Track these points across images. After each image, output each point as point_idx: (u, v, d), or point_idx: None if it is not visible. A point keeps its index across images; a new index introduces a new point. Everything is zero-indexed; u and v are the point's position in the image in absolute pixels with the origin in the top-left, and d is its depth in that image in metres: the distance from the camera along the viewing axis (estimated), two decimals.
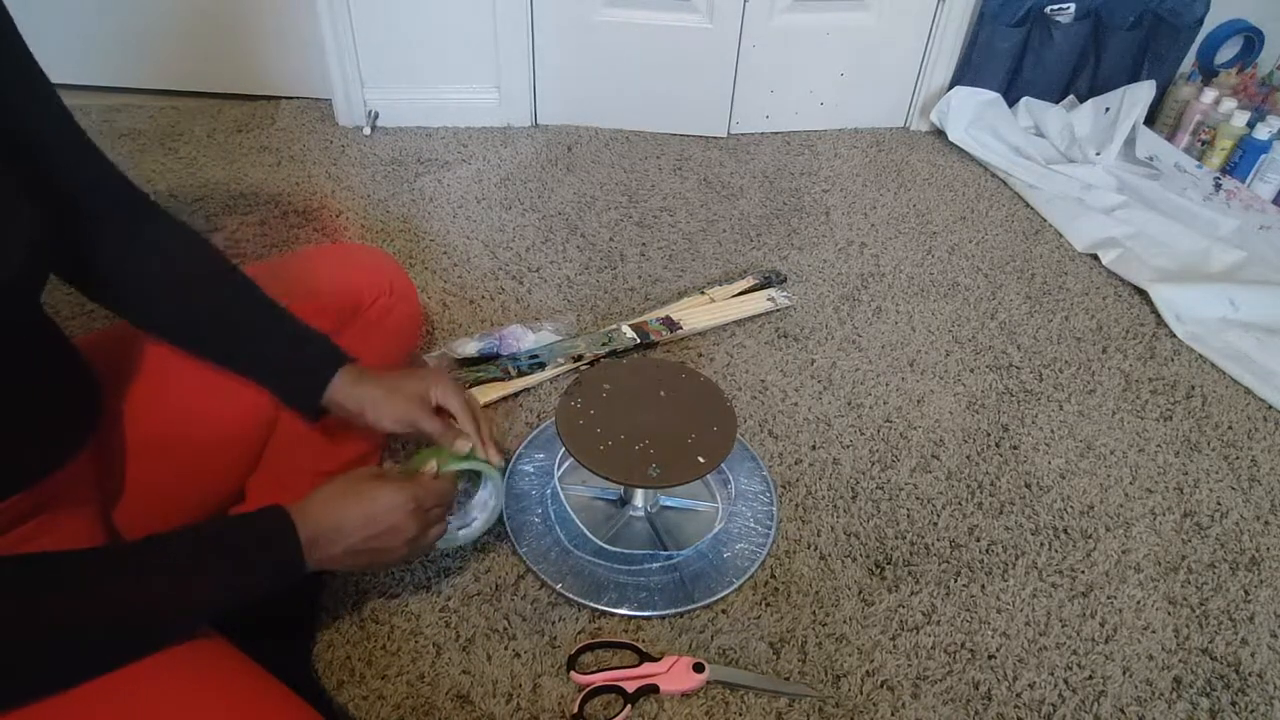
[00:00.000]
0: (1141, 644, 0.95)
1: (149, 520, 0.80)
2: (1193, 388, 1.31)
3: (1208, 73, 1.97)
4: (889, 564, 1.01)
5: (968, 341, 1.37)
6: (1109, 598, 0.99)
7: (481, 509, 0.87)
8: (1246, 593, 1.01)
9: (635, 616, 0.92)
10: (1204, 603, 1.00)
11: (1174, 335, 1.41)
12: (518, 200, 1.64)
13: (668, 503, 1.04)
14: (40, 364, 0.68)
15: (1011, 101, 1.92)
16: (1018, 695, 0.89)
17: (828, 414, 1.21)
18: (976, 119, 1.87)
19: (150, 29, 1.77)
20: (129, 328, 0.85)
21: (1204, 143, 1.85)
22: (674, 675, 0.85)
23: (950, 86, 1.91)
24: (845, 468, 1.13)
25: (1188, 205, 1.70)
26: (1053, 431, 1.21)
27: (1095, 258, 1.59)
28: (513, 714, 0.83)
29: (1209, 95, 1.84)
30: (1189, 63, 1.97)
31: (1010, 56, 1.86)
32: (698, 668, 0.86)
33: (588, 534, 0.98)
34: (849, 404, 1.23)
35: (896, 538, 1.04)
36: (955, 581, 0.99)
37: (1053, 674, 0.91)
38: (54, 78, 0.68)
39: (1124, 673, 0.92)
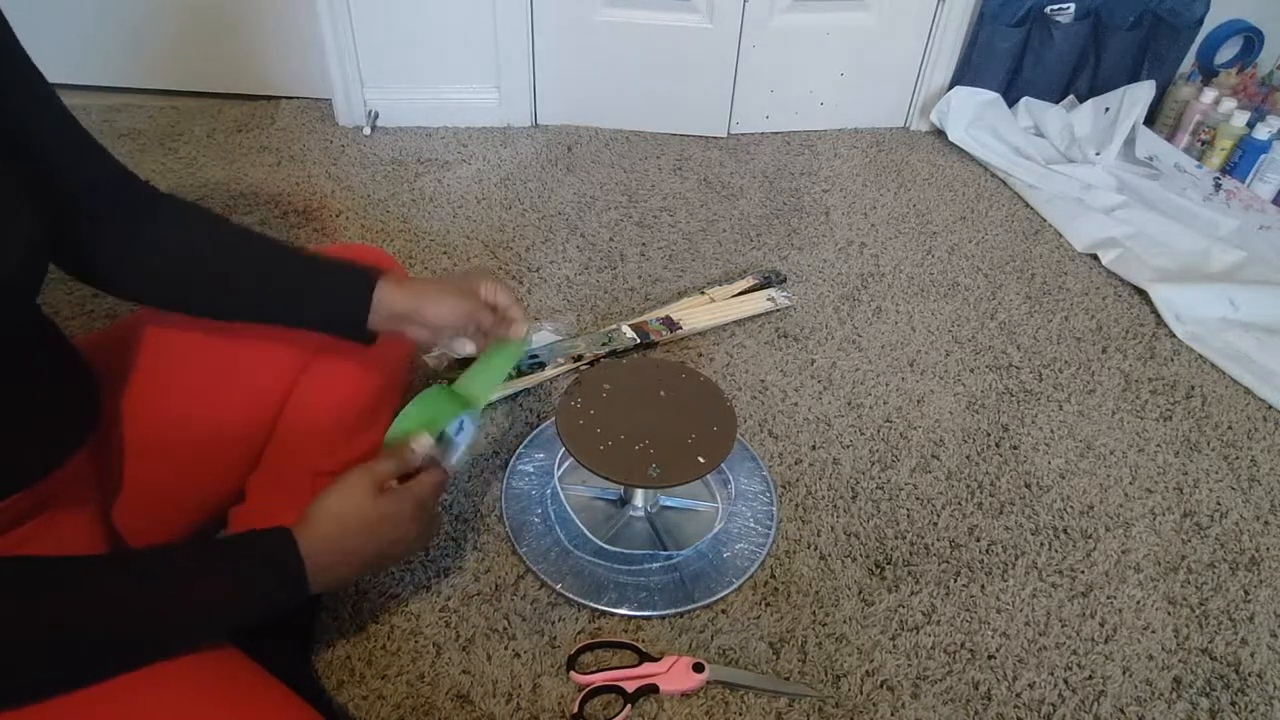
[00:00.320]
0: (1141, 644, 0.95)
1: (148, 520, 0.80)
2: (1193, 388, 1.31)
3: (1208, 73, 1.97)
4: (889, 564, 1.01)
5: (968, 341, 1.37)
6: (1109, 598, 0.99)
7: (464, 441, 0.84)
8: (1246, 593, 1.01)
9: (635, 616, 0.92)
10: (1204, 603, 1.00)
11: (1174, 335, 1.41)
12: (518, 200, 1.64)
13: (668, 503, 1.04)
14: (39, 364, 0.68)
15: (1011, 101, 1.92)
16: (1018, 695, 0.89)
17: (828, 414, 1.21)
18: (976, 119, 1.88)
19: (150, 29, 1.77)
20: (129, 328, 0.85)
21: (1204, 143, 1.85)
22: (674, 675, 0.85)
23: (950, 86, 1.91)
24: (845, 468, 1.13)
25: (1188, 205, 1.70)
26: (1053, 431, 1.21)
27: (1095, 258, 1.59)
28: (513, 714, 0.83)
29: (1209, 95, 1.84)
30: (1189, 63, 1.97)
31: (1010, 56, 1.86)
32: (698, 668, 0.86)
33: (588, 534, 0.98)
34: (849, 404, 1.23)
35: (896, 538, 1.04)
36: (955, 581, 0.99)
37: (1053, 674, 0.91)
38: (54, 78, 0.68)
39: (1124, 673, 0.92)
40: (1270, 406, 1.29)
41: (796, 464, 1.13)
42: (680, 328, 1.32)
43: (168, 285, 0.78)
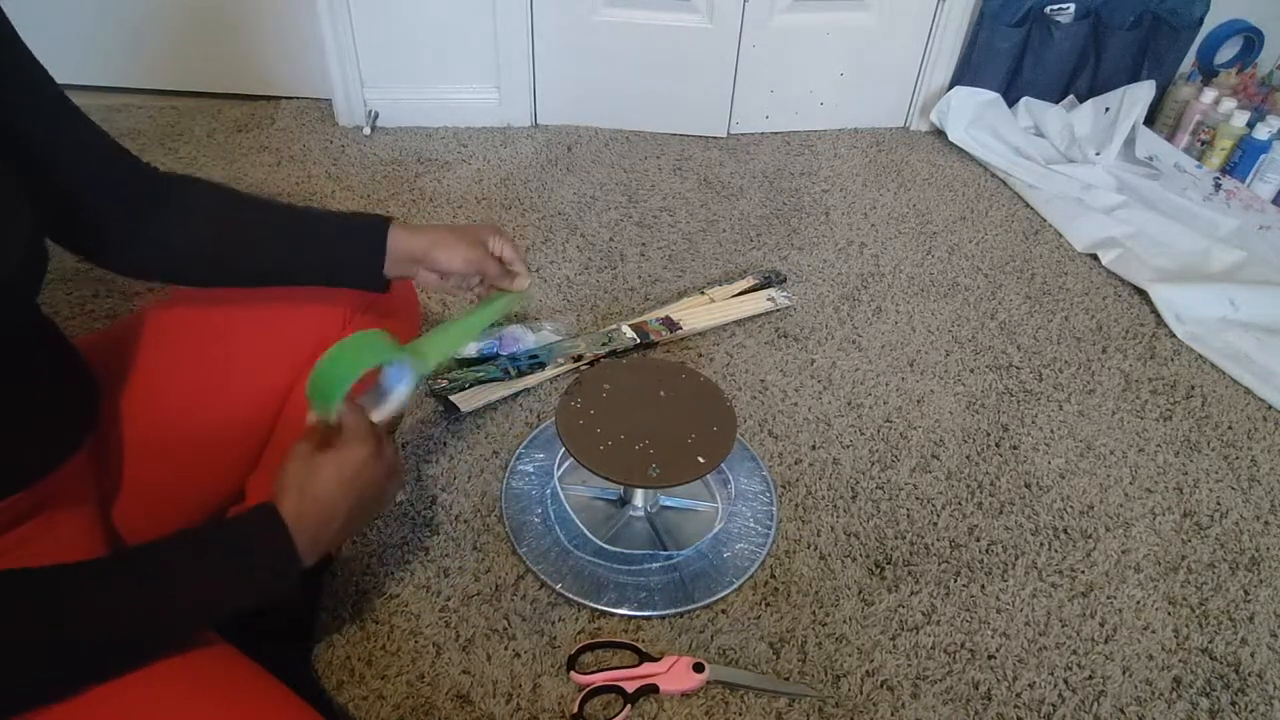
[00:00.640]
0: (1141, 644, 0.95)
1: (148, 520, 0.80)
2: (1193, 388, 1.31)
3: (1207, 73, 1.97)
4: (889, 564, 1.01)
5: (968, 341, 1.37)
6: (1109, 598, 0.99)
7: (399, 395, 0.81)
8: (1246, 593, 1.01)
9: (635, 616, 0.92)
10: (1204, 603, 1.00)
11: (1174, 335, 1.41)
12: (518, 200, 1.64)
13: (668, 503, 1.04)
14: (39, 364, 0.68)
15: (1011, 101, 1.92)
16: (1018, 695, 0.89)
17: (828, 414, 1.21)
18: (976, 119, 1.87)
19: (150, 29, 1.77)
20: (128, 328, 0.85)
21: (1204, 143, 1.85)
22: (674, 675, 0.85)
23: (950, 86, 1.91)
24: (845, 468, 1.13)
25: (1188, 205, 1.70)
26: (1052, 431, 1.21)
27: (1095, 258, 1.59)
28: (513, 714, 0.83)
29: (1209, 95, 1.83)
30: (1189, 63, 1.97)
31: (1010, 56, 1.86)
32: (698, 668, 0.86)
33: (588, 534, 0.98)
34: (849, 404, 1.23)
35: (896, 538, 1.04)
36: (955, 581, 0.99)
37: (1052, 674, 0.91)
38: (53, 78, 0.68)
39: (1124, 673, 0.92)
40: (1270, 406, 1.29)
41: (796, 464, 1.13)
42: (680, 328, 1.32)
43: (185, 263, 0.80)
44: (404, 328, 0.99)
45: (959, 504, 1.09)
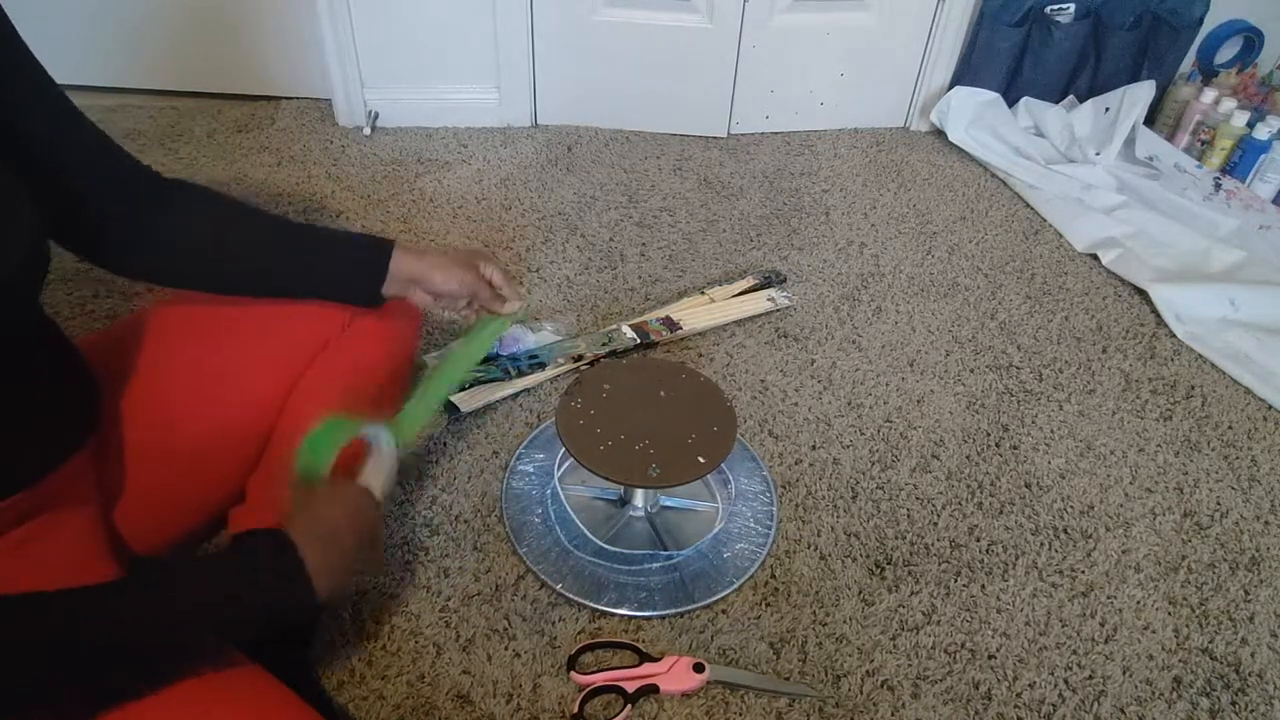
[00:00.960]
0: (1141, 644, 0.95)
1: (149, 520, 0.80)
2: (1193, 388, 1.31)
3: (1208, 73, 1.97)
4: (889, 564, 1.01)
5: (968, 341, 1.37)
6: (1109, 598, 0.99)
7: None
8: (1246, 593, 1.01)
9: (635, 616, 0.92)
10: (1204, 603, 1.00)
11: (1174, 335, 1.41)
12: (518, 200, 1.64)
13: (668, 503, 1.04)
14: (40, 364, 0.68)
15: (1011, 102, 1.92)
16: (1018, 695, 0.89)
17: (828, 414, 1.21)
18: (976, 119, 1.87)
19: (150, 29, 1.77)
20: (128, 328, 0.85)
21: (1204, 143, 1.85)
22: (674, 675, 0.85)
23: (950, 86, 1.91)
24: (845, 468, 1.13)
25: (1188, 205, 1.70)
26: (1053, 431, 1.21)
27: (1095, 258, 1.59)
28: (513, 714, 0.83)
29: (1209, 95, 1.83)
30: (1189, 63, 1.97)
31: (1010, 56, 1.86)
32: (698, 668, 0.86)
33: (588, 534, 0.98)
34: (849, 404, 1.23)
35: (896, 538, 1.04)
36: (955, 581, 0.99)
37: (1053, 674, 0.91)
38: (54, 79, 0.68)
39: (1124, 673, 0.92)
40: (1270, 406, 1.29)
41: (796, 464, 1.13)
42: (680, 328, 1.32)
43: (186, 269, 0.81)
44: (404, 327, 0.99)
45: (959, 504, 1.09)
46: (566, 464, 1.06)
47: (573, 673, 0.86)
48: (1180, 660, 0.93)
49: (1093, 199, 1.72)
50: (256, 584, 0.63)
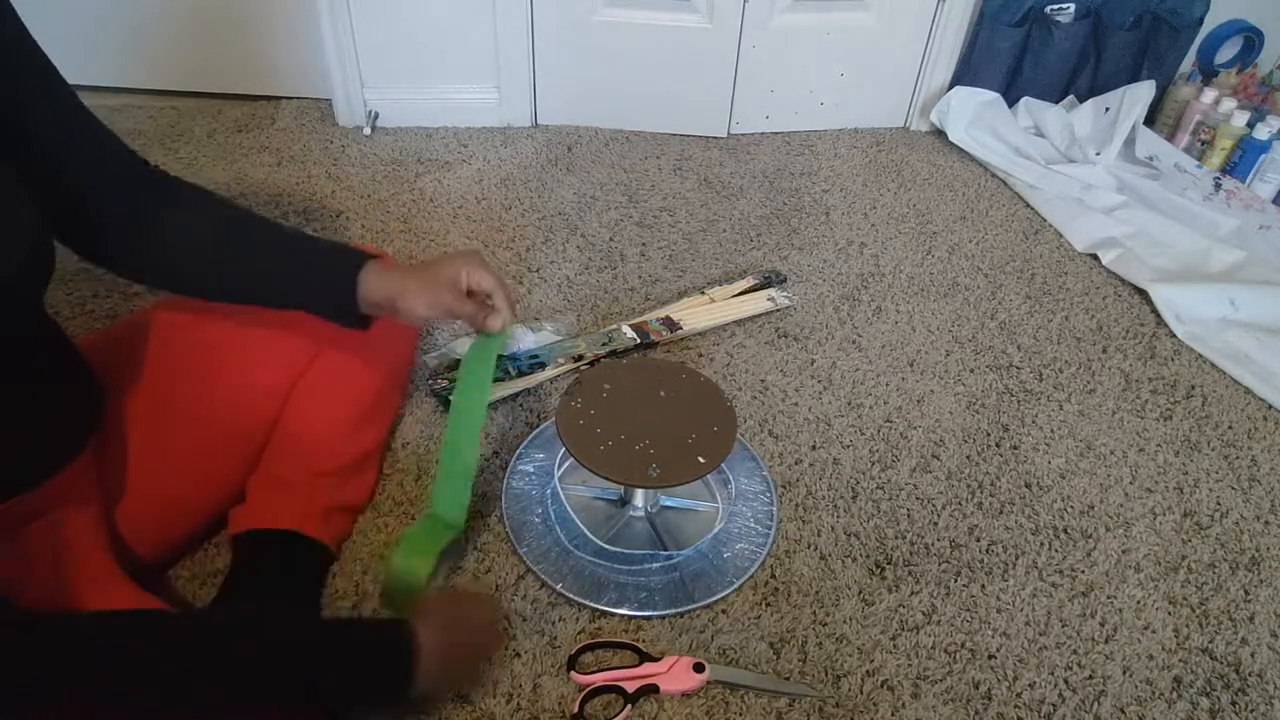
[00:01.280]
0: (1141, 644, 0.95)
1: (150, 521, 0.80)
2: (1193, 387, 1.31)
3: (1208, 73, 1.97)
4: (889, 564, 1.01)
5: (968, 341, 1.37)
6: (1109, 598, 0.99)
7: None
8: (1246, 593, 1.01)
9: (635, 616, 0.92)
10: (1204, 603, 1.00)
11: (1174, 335, 1.41)
12: (518, 200, 1.64)
13: (668, 503, 1.04)
14: (41, 364, 0.68)
15: (1011, 101, 1.92)
16: (1018, 695, 0.89)
17: (828, 414, 1.21)
18: (976, 119, 1.87)
19: (150, 29, 1.77)
20: (129, 329, 0.85)
21: (1204, 143, 1.85)
22: (674, 675, 0.85)
23: (950, 86, 1.91)
24: (845, 468, 1.13)
25: (1188, 205, 1.70)
26: (1053, 431, 1.21)
27: (1095, 258, 1.59)
28: (512, 714, 0.83)
29: (1209, 95, 1.83)
30: (1189, 63, 1.97)
31: (1010, 56, 1.86)
32: (698, 668, 0.86)
33: (588, 534, 0.98)
34: (849, 404, 1.23)
35: (896, 538, 1.04)
36: (955, 581, 1.00)
37: (1053, 674, 0.91)
38: (64, 78, 0.69)
39: (1124, 672, 0.92)
40: (1270, 406, 1.29)
41: (796, 464, 1.13)
42: (680, 328, 1.32)
43: (177, 271, 0.80)
44: (401, 328, 0.99)
45: (959, 504, 1.09)
46: (566, 464, 1.06)
47: (573, 672, 0.86)
48: (1180, 660, 0.93)
49: (1093, 199, 1.72)
50: (361, 661, 0.65)
